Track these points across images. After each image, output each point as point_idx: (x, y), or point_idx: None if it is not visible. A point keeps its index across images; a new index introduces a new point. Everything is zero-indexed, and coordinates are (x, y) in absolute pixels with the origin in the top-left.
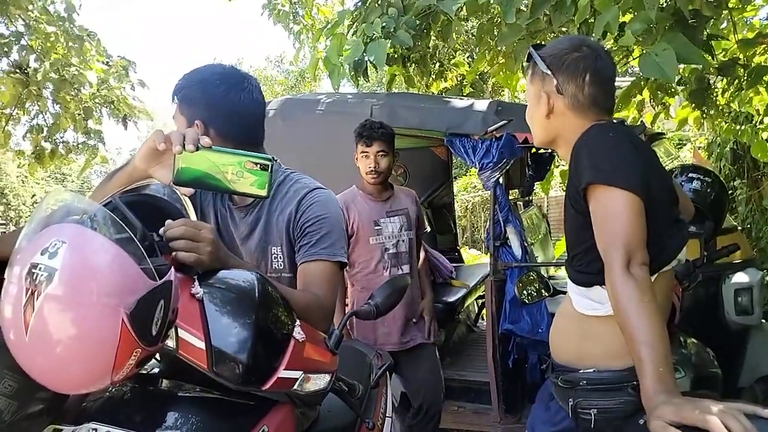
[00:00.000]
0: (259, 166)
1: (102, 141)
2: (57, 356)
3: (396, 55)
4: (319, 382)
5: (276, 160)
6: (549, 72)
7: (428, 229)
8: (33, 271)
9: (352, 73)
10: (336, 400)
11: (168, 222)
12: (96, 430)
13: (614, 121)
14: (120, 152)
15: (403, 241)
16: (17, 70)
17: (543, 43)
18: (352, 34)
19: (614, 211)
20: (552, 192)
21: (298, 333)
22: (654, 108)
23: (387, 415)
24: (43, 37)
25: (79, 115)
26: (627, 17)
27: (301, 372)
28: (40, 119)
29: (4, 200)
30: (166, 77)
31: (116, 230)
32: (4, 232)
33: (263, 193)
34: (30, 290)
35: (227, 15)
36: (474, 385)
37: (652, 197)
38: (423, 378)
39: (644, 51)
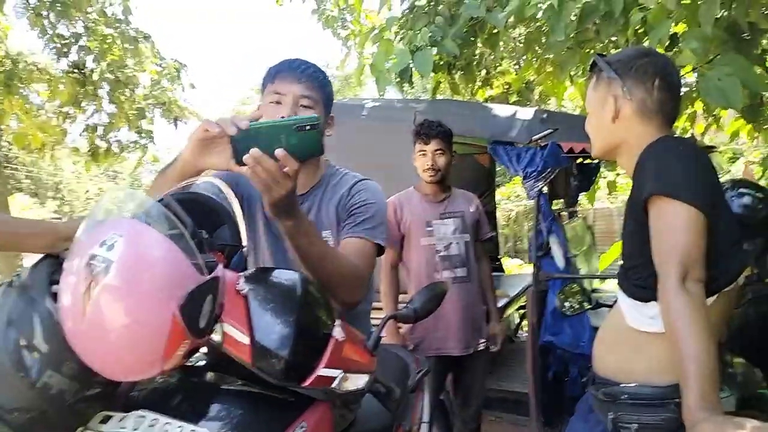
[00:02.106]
0: (308, 127)
1: (153, 140)
2: (111, 344)
3: (441, 63)
4: (357, 381)
5: (320, 119)
6: (616, 76)
7: (491, 233)
8: (91, 262)
9: (398, 79)
10: (373, 403)
11: (256, 154)
12: (144, 417)
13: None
14: (170, 151)
15: (456, 243)
16: (75, 70)
17: (604, 53)
18: (399, 41)
19: (675, 225)
20: (598, 203)
21: (338, 332)
22: (705, 120)
23: (424, 420)
24: (101, 39)
25: (132, 114)
26: (679, 27)
27: (340, 371)
28: (95, 118)
29: (60, 195)
30: (214, 80)
31: (169, 226)
32: None
33: (318, 150)
34: (88, 280)
35: (275, 20)
36: (513, 395)
37: (716, 217)
38: (476, 386)
39: (699, 68)
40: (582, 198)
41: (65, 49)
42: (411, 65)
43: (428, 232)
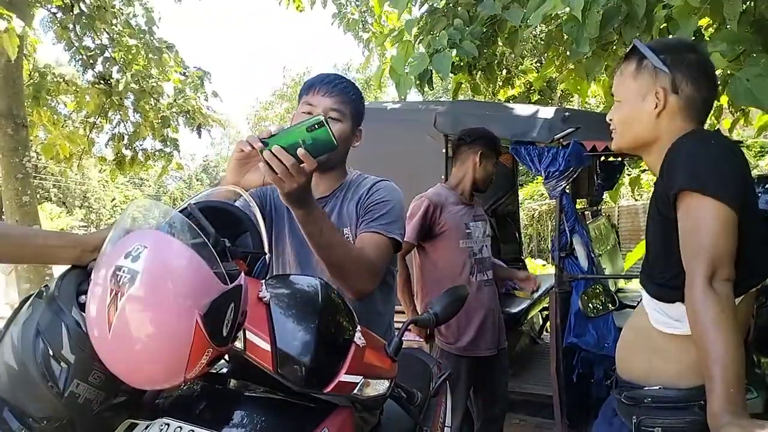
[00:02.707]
0: (316, 126)
1: (177, 148)
2: (136, 353)
3: (462, 63)
4: (378, 387)
5: (323, 118)
6: (665, 67)
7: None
8: (117, 273)
9: (418, 82)
10: (395, 407)
11: (276, 150)
12: (168, 425)
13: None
14: (193, 158)
15: (486, 246)
16: (101, 81)
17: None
18: (418, 43)
19: (704, 222)
20: (623, 201)
21: (358, 338)
22: (732, 114)
23: (446, 424)
24: (125, 50)
25: (157, 123)
26: (704, 21)
27: (361, 377)
28: (121, 128)
29: (86, 203)
30: (235, 86)
31: (192, 236)
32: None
33: (333, 144)
34: (114, 291)
35: (296, 24)
36: (536, 398)
37: (746, 214)
38: (501, 386)
39: (728, 69)
40: (606, 196)
41: (91, 61)
42: (430, 68)
43: (467, 234)
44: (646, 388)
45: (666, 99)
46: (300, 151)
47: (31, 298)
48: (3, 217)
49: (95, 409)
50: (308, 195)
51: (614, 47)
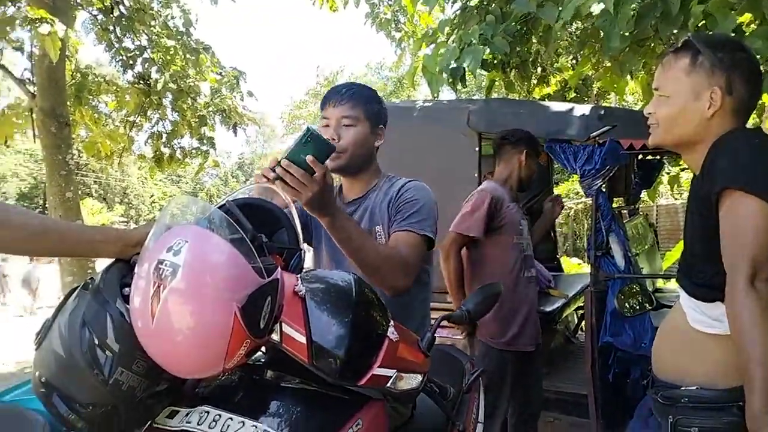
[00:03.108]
0: (308, 137)
1: (214, 146)
2: (178, 344)
3: (495, 61)
4: (411, 381)
5: (312, 128)
6: (721, 66)
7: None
8: (160, 266)
9: (450, 80)
10: (428, 402)
11: (284, 164)
12: (208, 412)
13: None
14: (229, 156)
15: (529, 243)
16: (140, 81)
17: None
18: (452, 43)
19: (747, 221)
20: (662, 200)
21: (392, 333)
22: None
23: (479, 420)
24: (164, 51)
25: (194, 122)
26: (744, 17)
27: (395, 370)
28: (159, 126)
29: (126, 200)
30: (268, 84)
31: (230, 231)
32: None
33: (329, 145)
34: (156, 283)
35: (329, 22)
36: (571, 397)
37: None
38: (538, 382)
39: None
40: (644, 195)
41: (131, 62)
42: (464, 64)
43: (519, 231)
44: (683, 388)
45: (722, 99)
46: (309, 158)
47: (77, 290)
48: (47, 212)
49: (138, 396)
50: (329, 202)
51: (650, 44)
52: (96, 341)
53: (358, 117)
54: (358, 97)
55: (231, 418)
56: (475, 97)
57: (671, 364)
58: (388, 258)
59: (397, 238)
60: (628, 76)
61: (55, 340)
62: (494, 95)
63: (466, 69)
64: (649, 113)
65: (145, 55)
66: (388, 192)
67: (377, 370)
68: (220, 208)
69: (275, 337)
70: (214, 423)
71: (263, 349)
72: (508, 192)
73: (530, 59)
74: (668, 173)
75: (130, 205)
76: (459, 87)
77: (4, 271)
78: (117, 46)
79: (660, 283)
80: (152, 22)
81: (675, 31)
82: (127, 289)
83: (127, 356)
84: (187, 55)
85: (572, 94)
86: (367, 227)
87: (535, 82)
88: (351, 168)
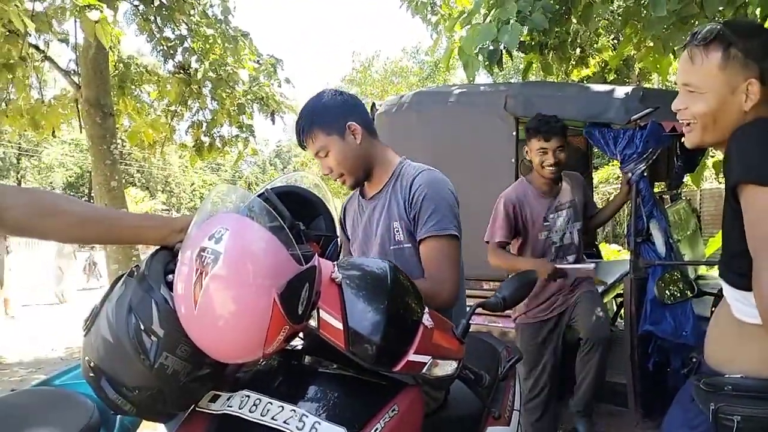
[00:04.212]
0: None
1: (253, 134)
2: (219, 329)
3: (533, 42)
4: (446, 367)
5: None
6: (752, 59)
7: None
8: (202, 254)
9: (486, 62)
10: (464, 389)
11: None
12: (249, 396)
13: None
14: (267, 144)
15: (570, 233)
16: (181, 71)
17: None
18: (488, 23)
19: (765, 212)
20: (706, 184)
21: (426, 320)
22: None
23: (515, 408)
24: (203, 39)
25: (233, 111)
26: None
27: (430, 357)
28: (200, 115)
29: (168, 188)
30: (306, 71)
31: (270, 219)
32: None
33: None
34: (199, 270)
35: (365, 8)
36: (609, 385)
37: None
38: (583, 313)
39: None
40: (687, 179)
41: (171, 51)
42: (499, 45)
43: (545, 227)
44: (728, 376)
45: (758, 91)
46: None
47: (124, 277)
48: (92, 201)
49: (182, 380)
50: None
51: (695, 21)
52: (142, 327)
53: (324, 142)
54: (310, 127)
55: (270, 402)
56: (512, 81)
57: (718, 351)
58: (431, 294)
59: (428, 250)
60: (672, 55)
61: (103, 326)
62: (531, 78)
63: (503, 50)
64: (679, 109)
65: (185, 45)
66: (402, 186)
67: (412, 357)
68: (259, 196)
69: (313, 322)
70: (254, 407)
71: (301, 334)
72: (534, 189)
73: (569, 40)
74: (713, 156)
75: (172, 193)
76: (495, 70)
77: (93, 259)
78: (158, 36)
79: (702, 270)
80: (191, 11)
81: (721, 8)
82: (171, 276)
83: (171, 341)
84: (226, 44)
85: (612, 76)
86: (386, 223)
87: (573, 63)
88: (359, 178)
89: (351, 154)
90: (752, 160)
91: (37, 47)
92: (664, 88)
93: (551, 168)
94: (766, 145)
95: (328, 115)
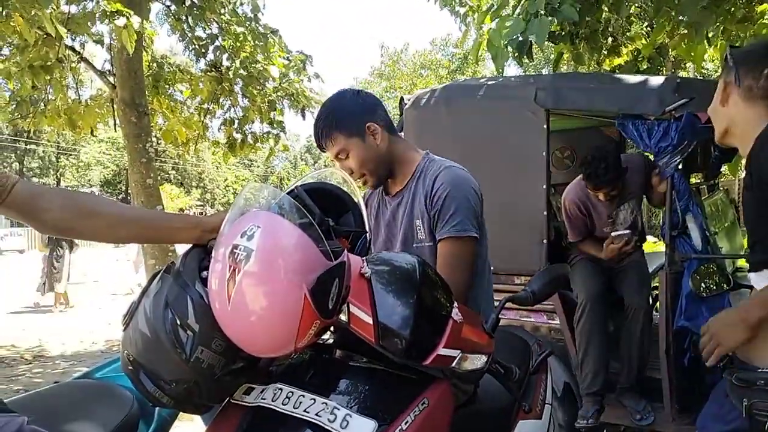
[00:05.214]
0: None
1: (284, 130)
2: (252, 324)
3: (563, 33)
4: (475, 362)
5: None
6: (732, 64)
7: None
8: (234, 251)
9: (516, 54)
10: (495, 383)
11: None
12: (281, 389)
13: None
14: (298, 139)
15: (633, 220)
16: (213, 69)
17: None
18: (518, 15)
19: None
20: (744, 174)
21: (455, 314)
22: None
23: (547, 401)
24: (233, 38)
25: (264, 107)
26: None
27: (459, 351)
28: (231, 113)
29: (202, 184)
30: (334, 65)
31: (299, 216)
32: (202, 213)
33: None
34: (232, 267)
35: (391, 4)
36: (645, 380)
37: None
38: (627, 282)
39: None
40: (724, 168)
41: (203, 50)
42: (528, 37)
43: (609, 222)
44: (761, 370)
45: (728, 90)
46: None
47: (160, 274)
48: (129, 197)
49: (217, 373)
50: None
51: (729, 6)
52: (178, 322)
53: (345, 144)
54: (330, 129)
55: (303, 395)
56: (542, 72)
57: (748, 344)
58: None
59: (446, 250)
60: (706, 42)
61: (141, 321)
62: (563, 68)
63: (533, 42)
64: None
65: (217, 43)
66: (424, 183)
67: (442, 351)
68: (289, 193)
69: (343, 317)
70: (287, 399)
71: (332, 329)
72: (582, 188)
73: (600, 29)
74: None
75: (206, 189)
76: (525, 61)
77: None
78: (189, 35)
79: (741, 262)
80: (222, 10)
81: None
82: (205, 272)
83: (206, 336)
84: (256, 41)
85: (645, 65)
86: (409, 220)
87: (605, 53)
88: (381, 177)
89: (372, 155)
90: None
91: (73, 49)
92: (699, 77)
93: (604, 200)
94: None
95: (348, 117)
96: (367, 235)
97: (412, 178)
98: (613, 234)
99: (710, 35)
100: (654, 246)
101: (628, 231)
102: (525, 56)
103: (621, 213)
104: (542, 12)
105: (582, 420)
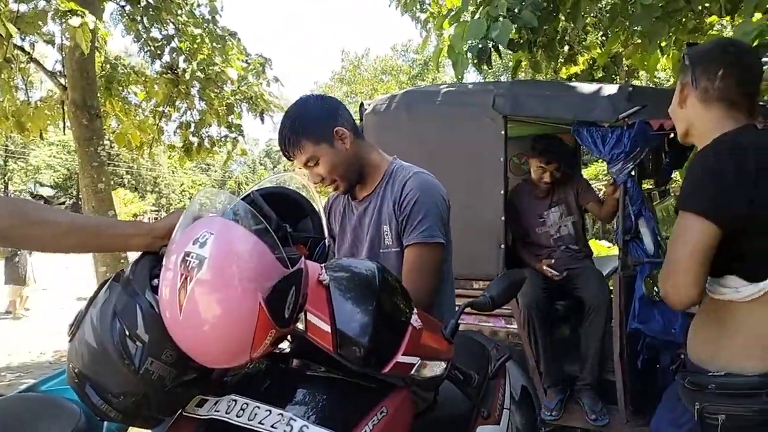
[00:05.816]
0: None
1: (242, 134)
2: (205, 333)
3: (522, 40)
4: (435, 368)
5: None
6: (689, 65)
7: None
8: (186, 258)
9: (476, 60)
10: (453, 389)
11: None
12: (236, 401)
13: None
14: (257, 143)
15: (564, 225)
16: (168, 71)
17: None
18: (478, 19)
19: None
20: None
21: (415, 321)
22: None
23: (505, 406)
24: (190, 39)
25: (222, 110)
26: None
27: (418, 358)
28: (188, 116)
29: (157, 189)
30: (294, 70)
31: (255, 222)
32: (157, 218)
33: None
34: (184, 275)
35: (354, 6)
36: (599, 383)
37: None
38: (585, 282)
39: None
40: (675, 175)
41: (158, 52)
42: (488, 43)
43: (540, 222)
44: (711, 374)
45: (685, 92)
46: None
47: (108, 282)
48: (80, 202)
49: (168, 385)
50: None
51: (681, 17)
52: (126, 332)
53: (314, 151)
54: (296, 137)
55: (258, 407)
56: (501, 79)
57: (701, 343)
58: None
59: (412, 257)
60: (659, 52)
61: (87, 332)
62: (521, 76)
63: (492, 48)
64: None
65: (173, 45)
66: (393, 189)
67: (401, 358)
68: (245, 198)
69: (300, 325)
70: (241, 411)
71: (289, 338)
72: (533, 190)
73: (557, 37)
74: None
75: (161, 194)
76: (484, 68)
77: None
78: (145, 36)
79: None
80: (178, 11)
81: (707, 4)
82: (156, 280)
83: (156, 346)
84: (214, 43)
85: (600, 73)
86: (376, 225)
87: (562, 61)
88: (352, 182)
89: (342, 160)
90: (684, 188)
91: (22, 49)
92: (652, 86)
93: (546, 182)
94: (698, 173)
95: (314, 123)
96: (326, 241)
97: (380, 183)
98: (545, 267)
99: (663, 45)
100: (608, 250)
101: (558, 275)
102: (484, 63)
103: (552, 214)
104: (503, 15)
105: (546, 411)
